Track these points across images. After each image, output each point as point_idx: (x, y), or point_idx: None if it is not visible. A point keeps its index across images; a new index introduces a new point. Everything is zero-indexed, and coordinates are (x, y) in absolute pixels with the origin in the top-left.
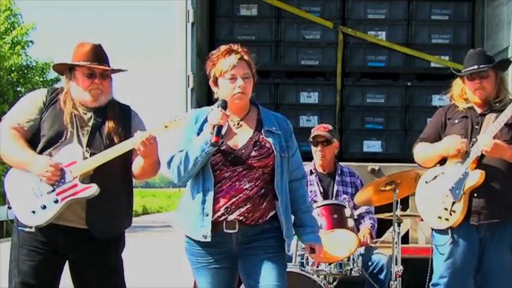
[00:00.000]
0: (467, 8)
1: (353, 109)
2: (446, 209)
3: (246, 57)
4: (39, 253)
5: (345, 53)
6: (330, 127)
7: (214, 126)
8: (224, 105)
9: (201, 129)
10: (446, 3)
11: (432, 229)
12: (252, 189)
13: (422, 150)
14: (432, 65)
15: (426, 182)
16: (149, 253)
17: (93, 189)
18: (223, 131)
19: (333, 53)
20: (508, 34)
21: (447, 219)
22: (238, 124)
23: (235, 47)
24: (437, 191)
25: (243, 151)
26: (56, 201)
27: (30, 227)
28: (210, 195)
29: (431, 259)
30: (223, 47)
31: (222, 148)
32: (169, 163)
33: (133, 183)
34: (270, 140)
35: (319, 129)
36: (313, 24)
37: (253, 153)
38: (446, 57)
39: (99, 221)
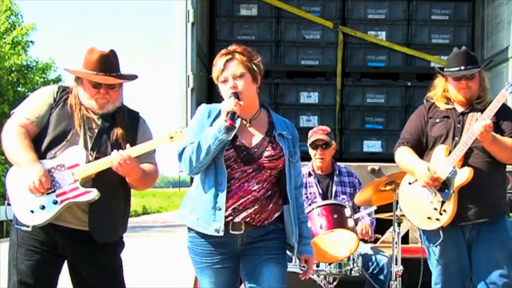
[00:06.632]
0: (467, 8)
1: (353, 109)
2: (435, 209)
3: (237, 56)
4: (37, 252)
5: (345, 53)
6: (328, 129)
7: (228, 114)
8: (237, 96)
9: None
10: (446, 3)
11: (421, 231)
12: (260, 190)
13: (401, 158)
14: (432, 65)
15: (409, 183)
16: (149, 253)
17: (93, 194)
18: (237, 124)
19: (333, 53)
20: (508, 34)
21: (438, 219)
22: (250, 123)
23: (230, 47)
24: (423, 191)
25: (255, 149)
26: (55, 203)
27: (28, 226)
28: (224, 190)
29: (427, 260)
30: (221, 51)
31: (236, 144)
32: (180, 154)
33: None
34: (281, 143)
35: (318, 132)
36: (313, 24)
37: (267, 153)
38: (446, 57)
39: (100, 226)
